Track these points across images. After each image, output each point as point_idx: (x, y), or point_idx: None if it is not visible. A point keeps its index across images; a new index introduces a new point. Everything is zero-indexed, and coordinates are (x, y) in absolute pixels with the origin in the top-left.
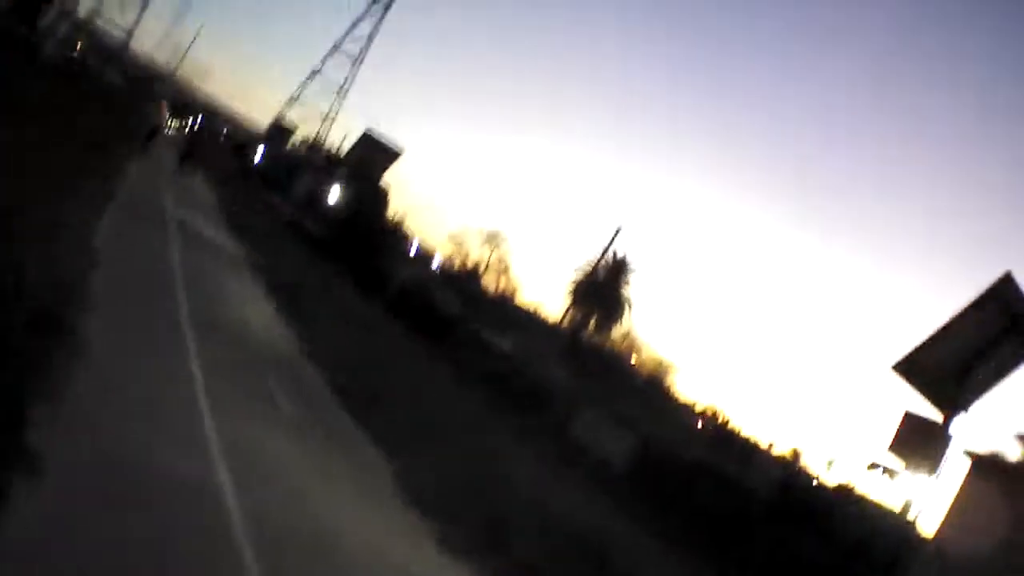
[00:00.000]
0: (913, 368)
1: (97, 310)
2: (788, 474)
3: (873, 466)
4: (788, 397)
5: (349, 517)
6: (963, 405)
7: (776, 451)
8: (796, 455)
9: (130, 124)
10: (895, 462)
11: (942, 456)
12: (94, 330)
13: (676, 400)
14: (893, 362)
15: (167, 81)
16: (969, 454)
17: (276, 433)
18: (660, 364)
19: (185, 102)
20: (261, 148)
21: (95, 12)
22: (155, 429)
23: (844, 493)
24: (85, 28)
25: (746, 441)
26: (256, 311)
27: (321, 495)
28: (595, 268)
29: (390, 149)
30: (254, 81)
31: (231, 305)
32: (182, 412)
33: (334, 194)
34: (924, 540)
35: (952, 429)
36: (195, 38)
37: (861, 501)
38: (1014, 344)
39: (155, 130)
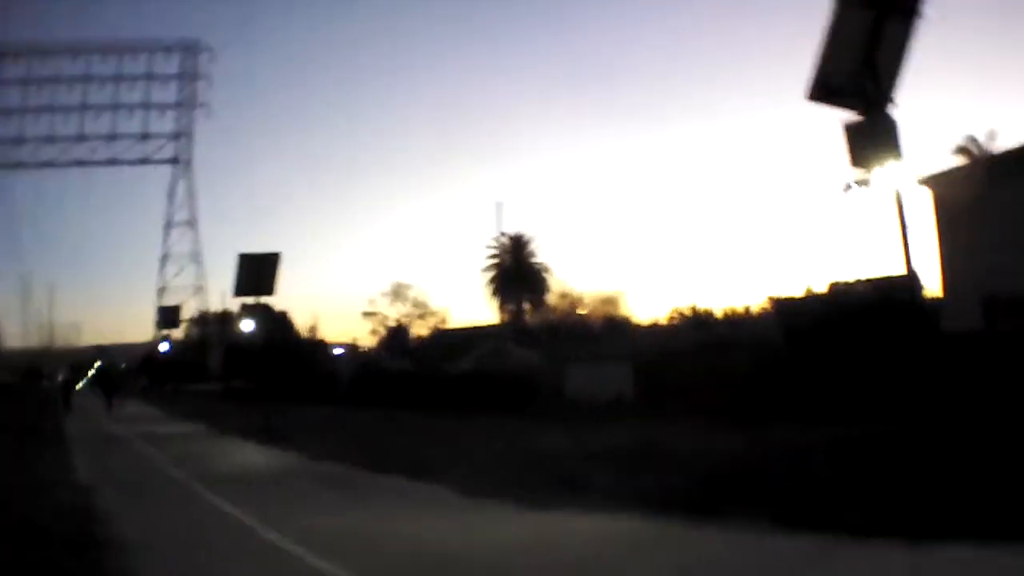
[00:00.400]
0: (825, 87)
1: None
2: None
3: (847, 188)
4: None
5: None
6: (887, 96)
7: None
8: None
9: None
10: (861, 173)
11: (897, 141)
12: None
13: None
14: (806, 93)
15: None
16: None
17: None
18: (606, 300)
19: (80, 363)
20: (165, 347)
21: None
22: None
23: None
24: None
25: None
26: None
27: None
28: (499, 255)
29: (268, 256)
30: (121, 307)
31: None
32: None
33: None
34: None
35: (891, 117)
36: (50, 307)
37: None
38: (896, 22)
39: (67, 392)
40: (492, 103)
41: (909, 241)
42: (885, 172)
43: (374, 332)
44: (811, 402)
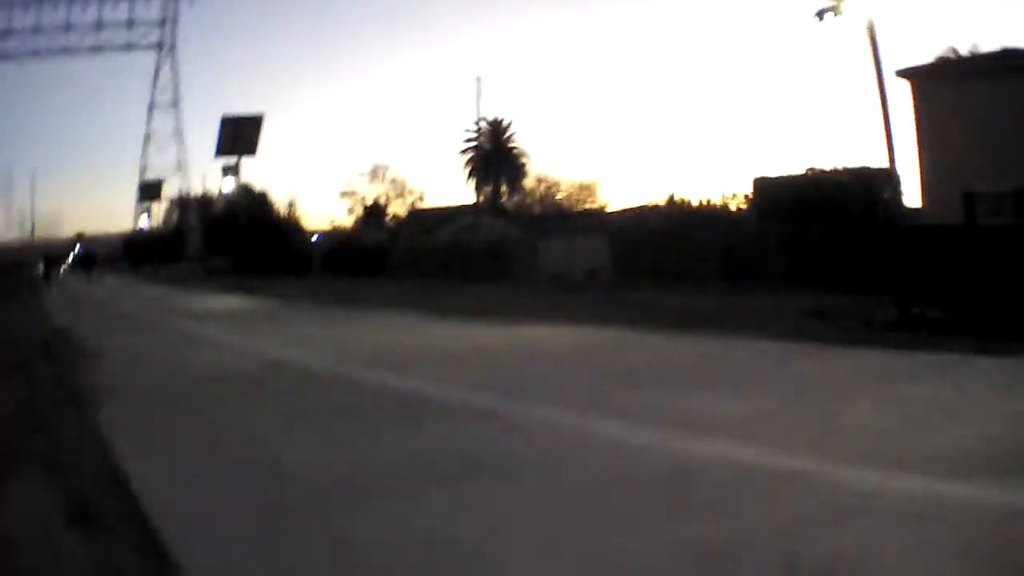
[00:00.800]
0: None
1: None
2: None
3: (820, 15)
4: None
5: None
6: None
7: None
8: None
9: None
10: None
11: None
12: None
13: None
14: None
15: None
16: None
17: None
18: (583, 187)
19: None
20: (144, 220)
21: None
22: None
23: None
24: None
25: None
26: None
27: None
28: (478, 138)
29: (251, 117)
30: (104, 197)
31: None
32: None
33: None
34: None
35: None
36: (32, 200)
37: None
38: None
39: (47, 274)
40: None
41: (884, 81)
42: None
43: (351, 211)
44: (779, 274)
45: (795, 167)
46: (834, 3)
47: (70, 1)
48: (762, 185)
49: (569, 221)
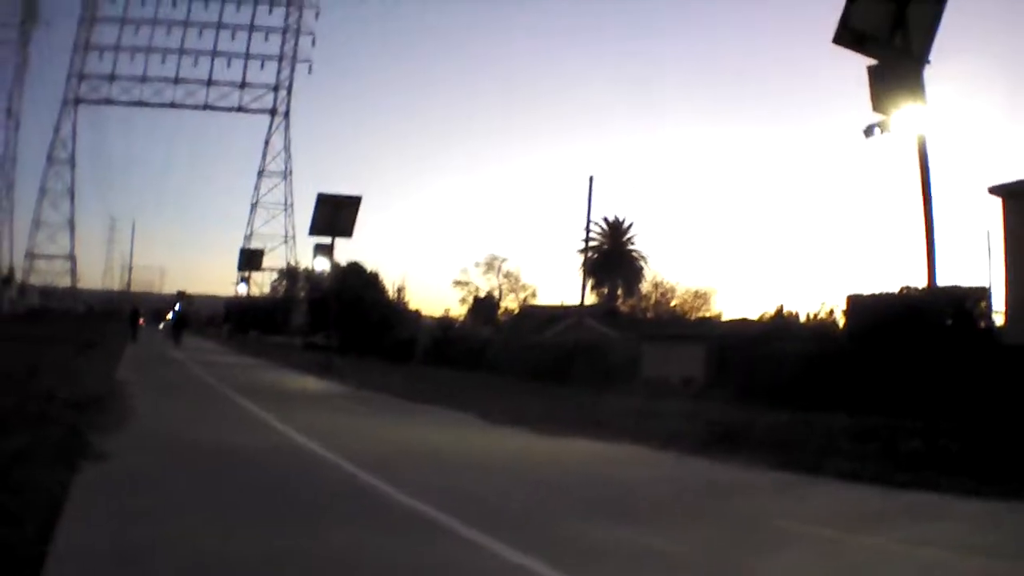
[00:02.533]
0: (852, 31)
1: None
2: None
3: (868, 131)
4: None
5: None
6: (917, 53)
7: None
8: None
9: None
10: (883, 117)
11: (920, 83)
12: None
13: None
14: (834, 36)
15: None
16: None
17: None
18: (698, 295)
19: (150, 307)
20: (243, 288)
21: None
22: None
23: None
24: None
25: None
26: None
27: None
28: (587, 233)
29: (348, 198)
30: (205, 258)
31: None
32: None
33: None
34: None
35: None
36: (132, 249)
37: None
38: None
39: (135, 323)
40: (589, 81)
41: (931, 201)
42: (907, 116)
43: (463, 301)
44: (866, 393)
45: (887, 283)
46: (883, 121)
47: (181, 54)
48: (855, 302)
49: (678, 327)
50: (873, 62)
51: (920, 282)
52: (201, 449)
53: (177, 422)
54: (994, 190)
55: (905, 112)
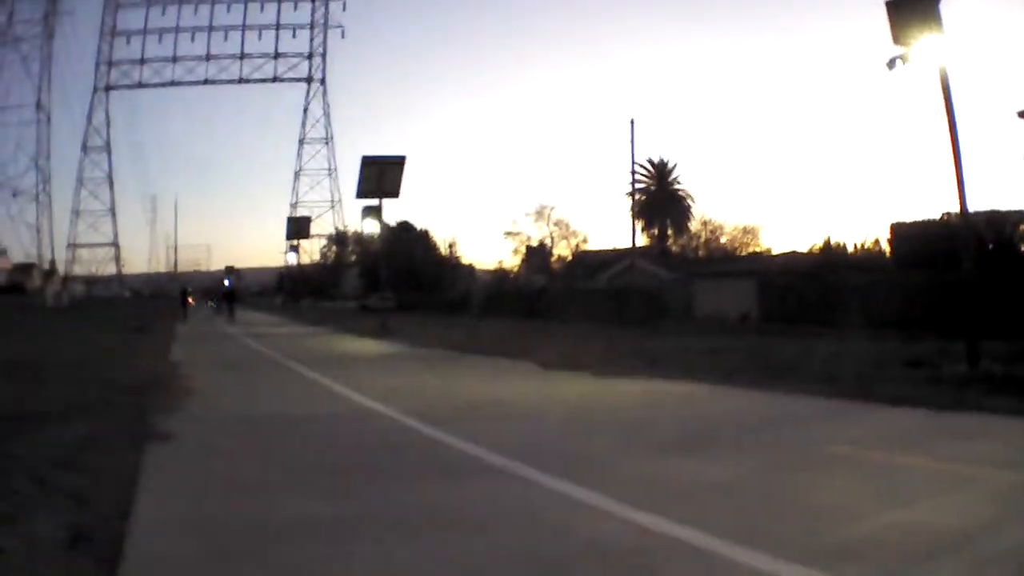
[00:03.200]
0: None
1: None
2: None
3: (891, 63)
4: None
5: None
6: None
7: None
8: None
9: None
10: (903, 50)
11: (938, 14)
12: None
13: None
14: None
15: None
16: None
17: None
18: (746, 230)
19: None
20: (292, 257)
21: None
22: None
23: None
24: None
25: None
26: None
27: None
28: (632, 176)
29: (394, 158)
30: (251, 231)
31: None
32: None
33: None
34: None
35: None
36: (176, 229)
37: None
38: None
39: (184, 303)
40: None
41: (956, 129)
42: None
43: (516, 252)
44: (915, 319)
45: (930, 209)
46: (902, 51)
47: (210, 31)
48: (899, 231)
49: (729, 264)
50: None
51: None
52: (265, 421)
53: (237, 396)
54: (1022, 114)
55: (925, 43)
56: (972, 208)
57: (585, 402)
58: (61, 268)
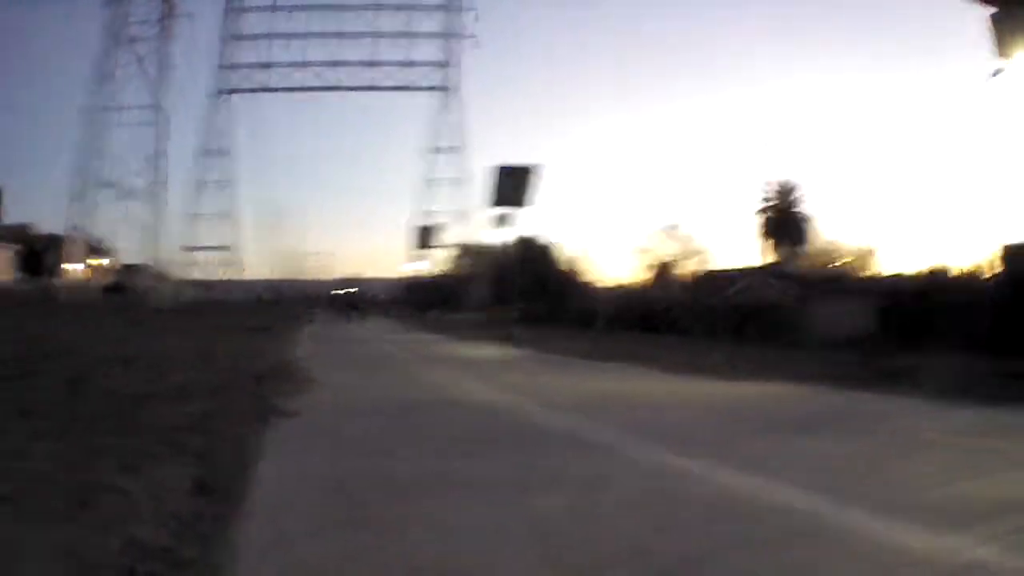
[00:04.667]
0: None
1: None
2: None
3: (994, 75)
4: None
5: None
6: None
7: None
8: None
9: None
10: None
11: None
12: None
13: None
14: None
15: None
16: None
17: None
18: (863, 253)
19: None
20: (420, 266)
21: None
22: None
23: None
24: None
25: None
26: None
27: None
28: (770, 200)
29: (525, 168)
30: (374, 240)
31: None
32: None
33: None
34: None
35: None
36: (299, 236)
37: None
38: None
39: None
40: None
41: None
42: None
43: (648, 267)
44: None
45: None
46: (1005, 65)
47: (340, 37)
48: (1012, 252)
49: (844, 285)
50: (994, 10)
51: None
52: (390, 405)
53: (363, 388)
54: None
55: None
56: None
57: (702, 398)
58: (174, 271)
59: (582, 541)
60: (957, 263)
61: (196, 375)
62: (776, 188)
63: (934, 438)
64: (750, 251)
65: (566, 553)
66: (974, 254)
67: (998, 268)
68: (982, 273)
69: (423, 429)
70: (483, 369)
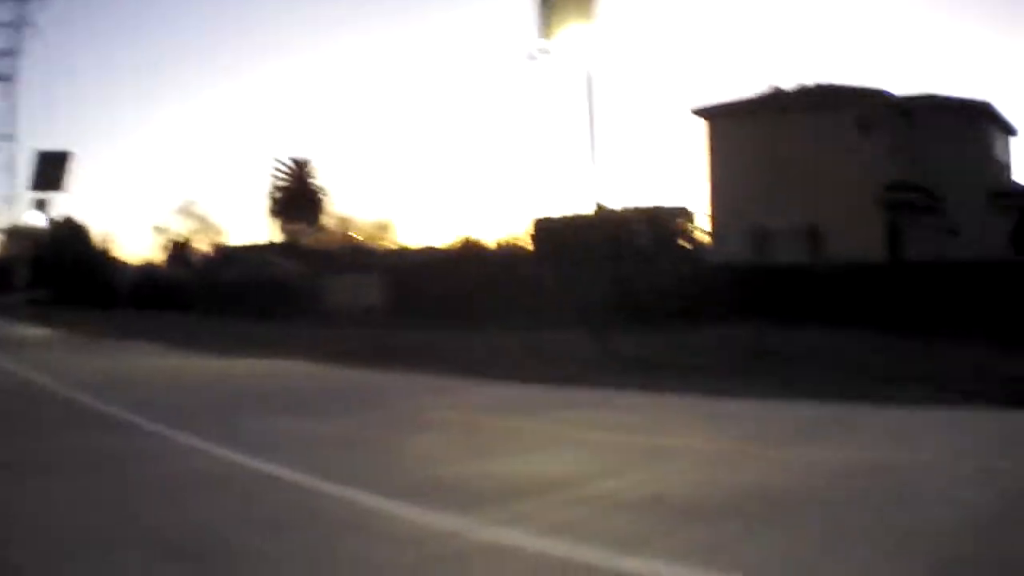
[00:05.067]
0: None
1: None
2: None
3: (531, 56)
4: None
5: None
6: None
7: None
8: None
9: None
10: (547, 41)
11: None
12: None
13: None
14: None
15: None
16: None
17: None
18: (379, 226)
19: None
20: None
21: None
22: None
23: None
24: None
25: None
26: None
27: None
28: (283, 177)
29: (61, 153)
30: None
31: None
32: None
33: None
34: None
35: None
36: None
37: None
38: None
39: None
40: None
41: (594, 123)
42: (574, 38)
43: (165, 247)
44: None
45: (580, 207)
46: (544, 46)
47: None
48: (543, 226)
49: (361, 258)
50: None
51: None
52: None
53: None
54: (699, 112)
55: (572, 36)
56: (634, 204)
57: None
58: None
59: None
60: (489, 236)
61: None
62: (289, 165)
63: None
64: (265, 229)
65: None
66: (503, 228)
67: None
68: (518, 245)
69: None
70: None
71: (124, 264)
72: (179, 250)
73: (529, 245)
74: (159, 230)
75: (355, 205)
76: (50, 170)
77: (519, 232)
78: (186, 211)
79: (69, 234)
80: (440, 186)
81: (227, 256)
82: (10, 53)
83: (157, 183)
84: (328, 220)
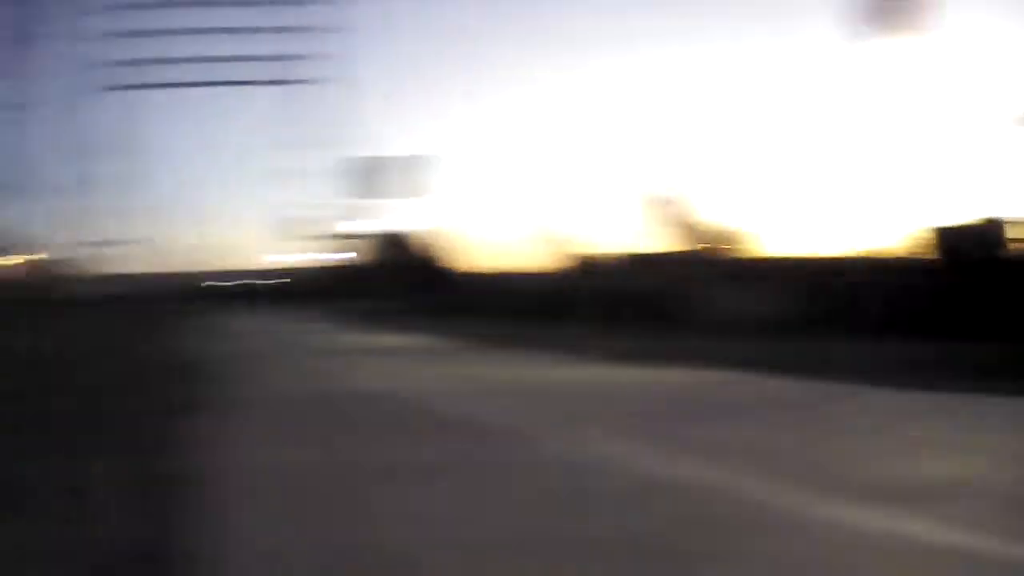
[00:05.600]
0: None
1: None
2: None
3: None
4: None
5: None
6: None
7: None
8: None
9: None
10: None
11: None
12: None
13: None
14: None
15: None
16: None
17: None
18: (734, 234)
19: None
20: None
21: None
22: None
23: None
24: None
25: None
26: None
27: None
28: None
29: (418, 159)
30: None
31: None
32: None
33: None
34: None
35: None
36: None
37: None
38: None
39: None
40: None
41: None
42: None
43: (560, 254)
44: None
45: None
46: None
47: (212, 33)
48: (943, 235)
49: (742, 267)
50: None
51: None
52: None
53: None
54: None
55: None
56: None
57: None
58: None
59: None
60: (867, 246)
61: None
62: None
63: None
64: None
65: None
66: (871, 238)
67: (927, 252)
68: (906, 256)
69: None
70: None
71: (518, 273)
72: (584, 260)
73: (923, 254)
74: (546, 239)
75: (716, 213)
76: (413, 176)
77: (907, 241)
78: (558, 221)
79: (430, 243)
80: (794, 193)
81: (634, 263)
82: (319, 57)
83: (505, 189)
84: (700, 229)
